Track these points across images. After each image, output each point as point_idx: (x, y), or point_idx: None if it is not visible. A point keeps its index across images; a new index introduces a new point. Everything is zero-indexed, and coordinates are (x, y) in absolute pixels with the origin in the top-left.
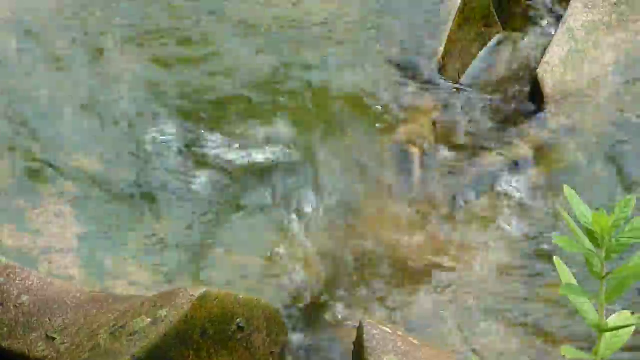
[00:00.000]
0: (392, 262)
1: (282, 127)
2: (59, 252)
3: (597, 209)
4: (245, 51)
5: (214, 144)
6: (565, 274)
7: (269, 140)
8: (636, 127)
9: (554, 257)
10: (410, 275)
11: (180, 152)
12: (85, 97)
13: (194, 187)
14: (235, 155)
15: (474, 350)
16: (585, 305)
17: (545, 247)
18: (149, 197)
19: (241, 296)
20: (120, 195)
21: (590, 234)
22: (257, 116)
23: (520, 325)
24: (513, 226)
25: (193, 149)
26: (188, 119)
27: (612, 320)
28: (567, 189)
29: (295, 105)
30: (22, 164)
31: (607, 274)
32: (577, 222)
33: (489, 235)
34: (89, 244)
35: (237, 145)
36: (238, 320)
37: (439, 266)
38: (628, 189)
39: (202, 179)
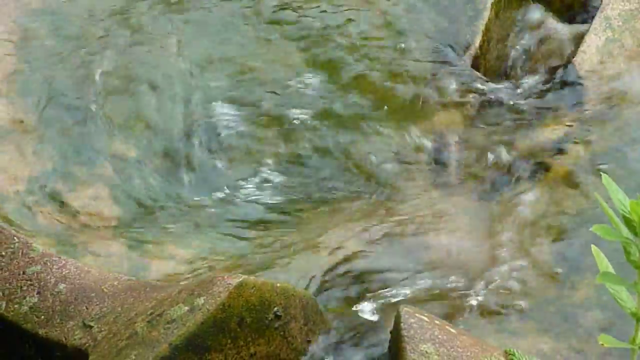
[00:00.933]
0: (434, 250)
1: (323, 120)
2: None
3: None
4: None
5: None
6: (603, 262)
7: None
8: None
9: (592, 245)
10: (447, 265)
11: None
12: None
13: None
14: None
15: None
16: (623, 294)
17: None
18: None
19: (278, 285)
20: None
21: (628, 221)
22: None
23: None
24: (552, 214)
25: None
26: None
27: None
28: (604, 177)
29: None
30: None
31: None
32: (615, 210)
33: (534, 225)
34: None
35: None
36: (275, 308)
37: (486, 259)
38: None
39: None
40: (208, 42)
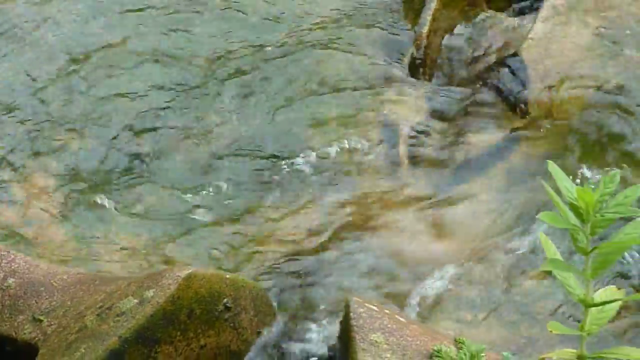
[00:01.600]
0: (382, 240)
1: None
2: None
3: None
4: None
5: None
6: (551, 249)
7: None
8: (617, 100)
9: (540, 233)
10: (403, 254)
11: None
12: None
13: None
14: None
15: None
16: (571, 281)
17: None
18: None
19: (228, 276)
20: None
21: (575, 209)
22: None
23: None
24: (493, 208)
25: None
26: None
27: (599, 295)
28: (550, 165)
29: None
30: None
31: (593, 249)
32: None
33: (476, 215)
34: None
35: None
36: (225, 300)
37: (430, 248)
38: (612, 163)
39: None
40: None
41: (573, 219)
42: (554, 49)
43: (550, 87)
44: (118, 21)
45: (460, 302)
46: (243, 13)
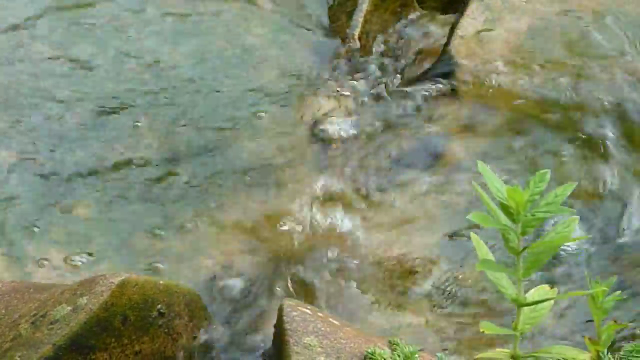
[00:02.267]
0: (310, 238)
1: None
2: None
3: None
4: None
5: None
6: (483, 249)
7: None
8: (549, 95)
9: (472, 233)
10: (334, 253)
11: None
12: None
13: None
14: None
15: (395, 334)
16: (504, 281)
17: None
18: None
19: (161, 282)
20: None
21: (505, 209)
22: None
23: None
24: (430, 204)
25: None
26: None
27: (531, 294)
28: (480, 164)
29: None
30: None
31: (524, 248)
32: (493, 197)
33: (407, 213)
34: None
35: None
36: (159, 306)
37: (359, 240)
38: (542, 161)
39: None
40: None
41: (504, 218)
42: (484, 46)
43: (480, 85)
44: None
45: (397, 298)
46: (174, 21)
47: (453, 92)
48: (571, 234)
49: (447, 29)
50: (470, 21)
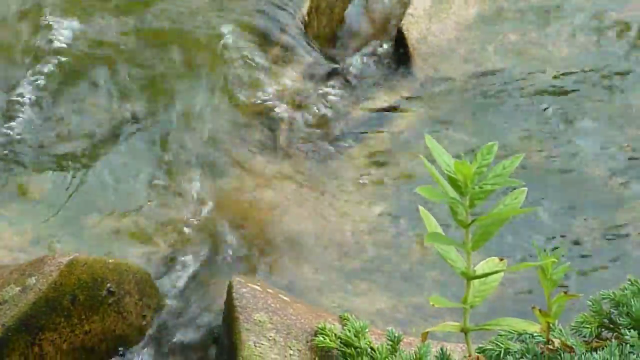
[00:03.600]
0: (259, 218)
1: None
2: None
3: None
4: None
5: None
6: (431, 223)
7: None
8: (496, 79)
9: (420, 206)
10: (275, 229)
11: None
12: None
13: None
14: None
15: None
16: (452, 254)
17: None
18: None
19: (111, 261)
20: None
21: (453, 182)
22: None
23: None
24: (380, 179)
25: None
26: None
27: (481, 267)
28: (428, 139)
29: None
30: None
31: (472, 221)
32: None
33: (359, 189)
34: None
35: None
36: (108, 285)
37: (304, 221)
38: (490, 135)
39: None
40: None
41: (452, 192)
42: (435, 27)
43: (431, 66)
44: None
45: (347, 273)
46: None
47: (403, 65)
48: (519, 205)
49: (396, 6)
50: (420, 0)
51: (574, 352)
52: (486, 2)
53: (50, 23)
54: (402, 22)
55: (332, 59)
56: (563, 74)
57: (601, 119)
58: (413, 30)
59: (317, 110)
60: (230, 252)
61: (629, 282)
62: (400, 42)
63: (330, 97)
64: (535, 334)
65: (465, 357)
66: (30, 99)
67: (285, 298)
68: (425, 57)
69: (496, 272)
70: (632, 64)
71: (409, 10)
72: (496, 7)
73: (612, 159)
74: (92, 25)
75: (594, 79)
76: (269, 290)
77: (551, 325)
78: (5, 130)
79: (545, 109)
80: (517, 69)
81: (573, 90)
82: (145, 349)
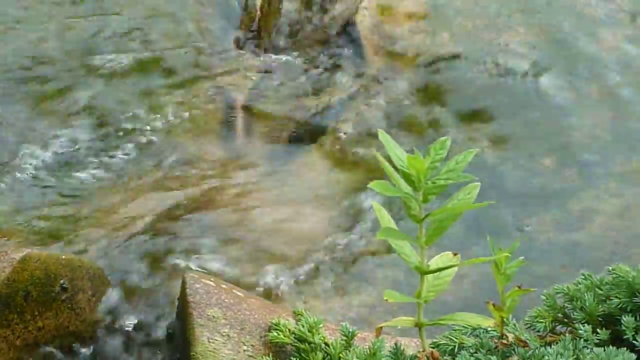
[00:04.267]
0: (217, 211)
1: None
2: None
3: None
4: None
5: None
6: (385, 218)
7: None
8: (449, 68)
9: (373, 202)
10: (231, 223)
11: None
12: None
13: None
14: None
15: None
16: (406, 249)
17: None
18: None
19: (64, 257)
20: None
21: (406, 176)
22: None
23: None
24: (331, 176)
25: None
26: None
27: (434, 262)
28: (381, 133)
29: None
30: None
31: (426, 216)
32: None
33: (307, 185)
34: None
35: None
36: (61, 281)
37: (259, 216)
38: (445, 128)
39: None
40: None
41: (405, 186)
42: (388, 19)
43: (383, 57)
44: None
45: (300, 270)
46: None
47: (356, 57)
48: (472, 200)
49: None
50: None
51: (528, 346)
52: None
53: None
54: (356, 14)
55: (285, 52)
56: (515, 61)
57: (552, 107)
58: (366, 21)
59: (270, 102)
60: (185, 247)
61: (583, 277)
62: (353, 34)
63: (284, 90)
64: (489, 329)
65: (419, 352)
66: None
67: (239, 293)
68: (377, 48)
69: (450, 266)
70: (582, 50)
71: (362, 4)
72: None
73: (563, 148)
74: None
75: (547, 65)
76: (222, 285)
77: (505, 319)
78: None
79: (496, 97)
80: (469, 57)
81: (525, 81)
82: (99, 345)
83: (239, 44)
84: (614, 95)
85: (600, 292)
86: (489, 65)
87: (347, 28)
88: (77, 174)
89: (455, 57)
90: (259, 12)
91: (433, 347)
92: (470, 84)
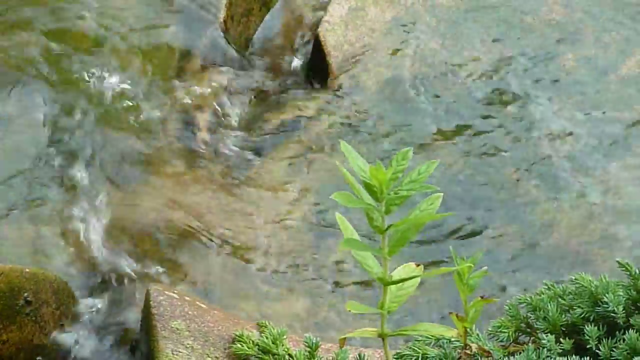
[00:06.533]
0: (177, 224)
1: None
2: None
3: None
4: None
5: None
6: (348, 229)
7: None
8: (413, 86)
9: (337, 213)
10: (195, 235)
11: None
12: None
13: None
14: None
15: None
16: (369, 260)
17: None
18: None
19: (27, 270)
20: None
21: (369, 187)
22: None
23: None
24: (294, 186)
25: None
26: None
27: (397, 272)
28: (343, 145)
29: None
30: None
31: (389, 227)
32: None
33: (271, 196)
34: None
35: None
36: (25, 294)
37: (223, 227)
38: (409, 140)
39: None
40: None
41: (367, 198)
42: (351, 34)
43: (347, 73)
44: None
45: (266, 278)
46: None
47: (320, 73)
48: (435, 211)
49: (313, 13)
50: (337, 7)
51: (491, 356)
52: (402, 8)
53: None
54: (319, 29)
55: (249, 66)
56: (478, 79)
57: (515, 128)
58: (329, 37)
59: (233, 118)
60: (148, 259)
61: (546, 287)
62: (316, 49)
63: (246, 105)
64: (452, 339)
65: None
66: None
67: (202, 305)
68: (341, 64)
69: (412, 277)
70: (549, 75)
71: (325, 18)
72: (412, 11)
73: (524, 161)
74: None
75: (508, 85)
76: (186, 297)
77: (468, 330)
78: None
79: (460, 113)
80: (432, 73)
81: (487, 96)
82: (63, 359)
83: (203, 57)
84: (580, 104)
85: (563, 301)
86: (452, 80)
87: (313, 43)
88: (40, 187)
89: (417, 75)
90: (223, 24)
91: (397, 358)
92: (434, 98)
